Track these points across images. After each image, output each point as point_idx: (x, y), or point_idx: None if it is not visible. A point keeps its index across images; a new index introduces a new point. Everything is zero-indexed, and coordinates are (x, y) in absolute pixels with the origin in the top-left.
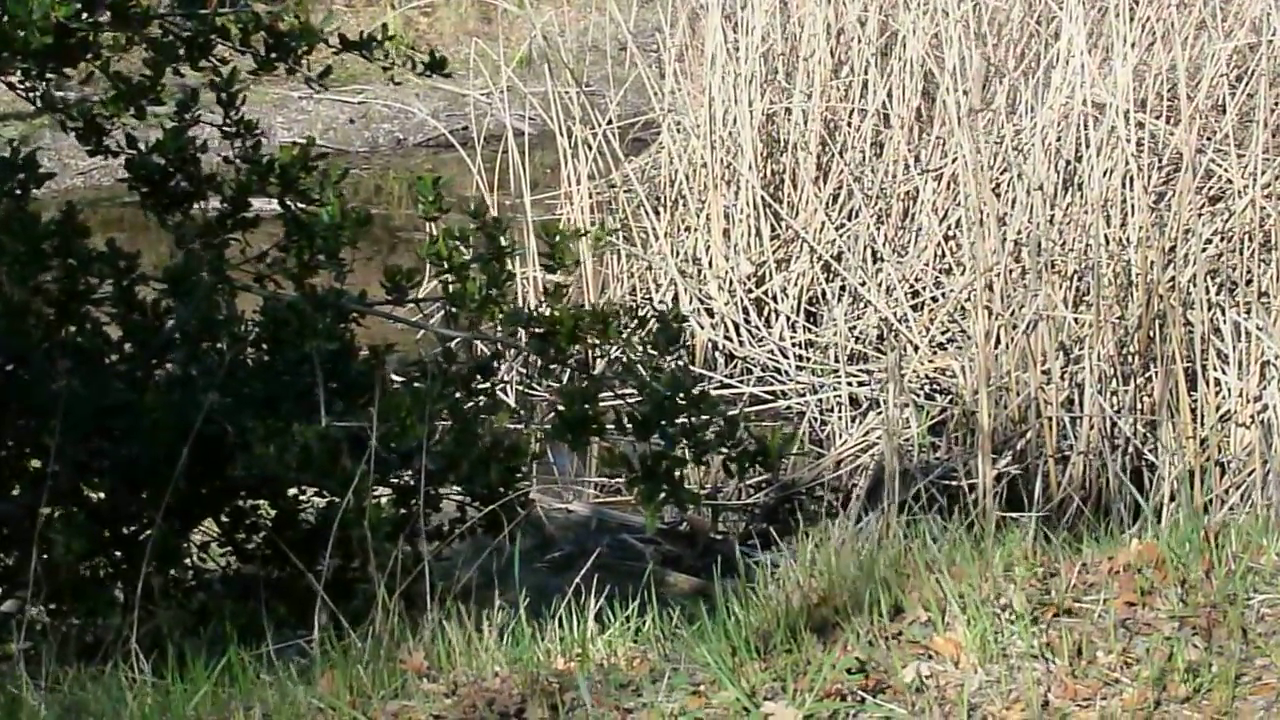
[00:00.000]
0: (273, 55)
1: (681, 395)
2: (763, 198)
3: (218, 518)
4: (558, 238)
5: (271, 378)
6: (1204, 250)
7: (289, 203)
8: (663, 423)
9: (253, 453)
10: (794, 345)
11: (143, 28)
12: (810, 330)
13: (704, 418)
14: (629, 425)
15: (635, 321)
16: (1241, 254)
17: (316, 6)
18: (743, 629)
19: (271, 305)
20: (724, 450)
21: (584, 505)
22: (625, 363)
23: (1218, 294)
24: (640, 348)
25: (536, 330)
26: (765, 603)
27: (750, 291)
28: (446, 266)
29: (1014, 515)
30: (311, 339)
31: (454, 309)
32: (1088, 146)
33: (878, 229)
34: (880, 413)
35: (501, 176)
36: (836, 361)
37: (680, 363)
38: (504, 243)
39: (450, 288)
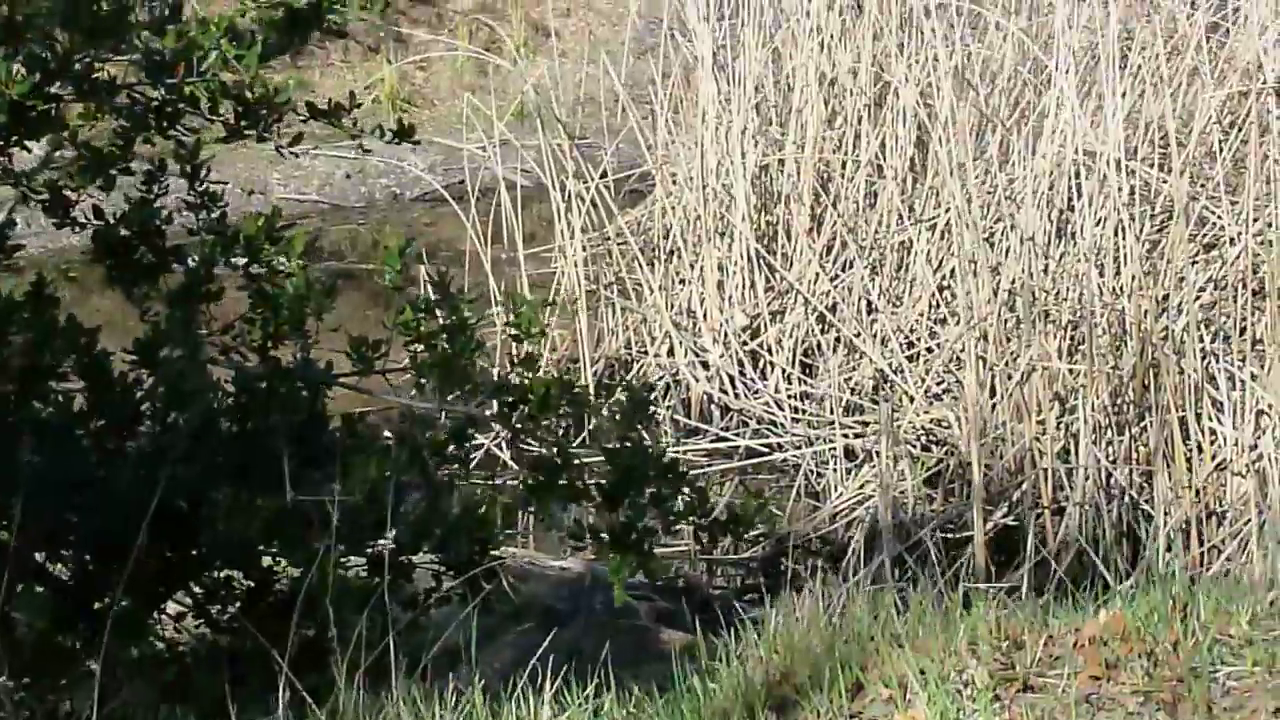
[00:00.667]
0: (242, 124)
1: (650, 465)
2: (757, 250)
3: (190, 589)
4: (523, 307)
5: (242, 448)
6: (1197, 299)
7: (253, 274)
8: (631, 492)
9: (216, 527)
10: (789, 397)
11: (110, 98)
12: (805, 382)
13: (673, 487)
14: (596, 495)
15: (604, 391)
16: (1235, 301)
17: (311, 63)
18: (700, 710)
19: (239, 377)
20: (694, 520)
21: (578, 561)
22: (592, 432)
23: (1212, 342)
24: (610, 417)
25: (508, 399)
26: (726, 680)
27: (745, 344)
28: (415, 337)
29: (996, 586)
30: (277, 411)
31: (421, 380)
32: (1080, 195)
33: (872, 280)
34: (875, 465)
35: (497, 230)
36: (832, 414)
37: (654, 427)
38: (468, 314)
39: (417, 358)
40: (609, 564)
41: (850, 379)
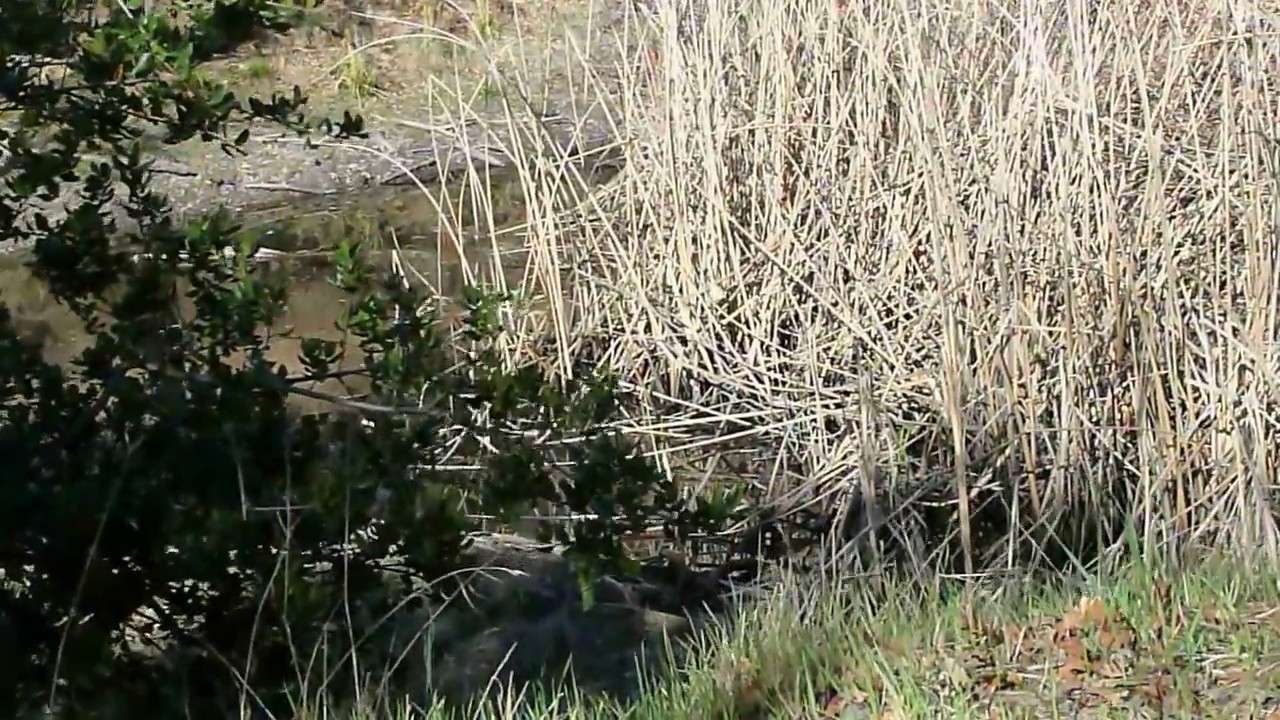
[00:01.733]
0: (190, 122)
1: (616, 461)
2: (730, 222)
3: (154, 603)
4: (479, 303)
5: (199, 459)
6: (1176, 254)
7: (200, 279)
8: (597, 490)
9: (172, 541)
10: (769, 370)
11: (51, 103)
12: (784, 354)
13: (639, 483)
14: (562, 495)
15: (569, 386)
16: (1214, 256)
17: (276, 49)
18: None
19: (192, 385)
20: (663, 513)
21: (562, 545)
22: (556, 429)
23: (1192, 298)
24: (574, 414)
25: (468, 397)
26: (695, 686)
27: (722, 318)
28: (370, 337)
29: (974, 576)
30: (231, 419)
31: (378, 381)
32: (1053, 154)
33: (847, 248)
34: (856, 436)
35: (470, 212)
36: (812, 385)
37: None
38: (420, 313)
39: (373, 359)
40: (576, 566)
41: (829, 349)
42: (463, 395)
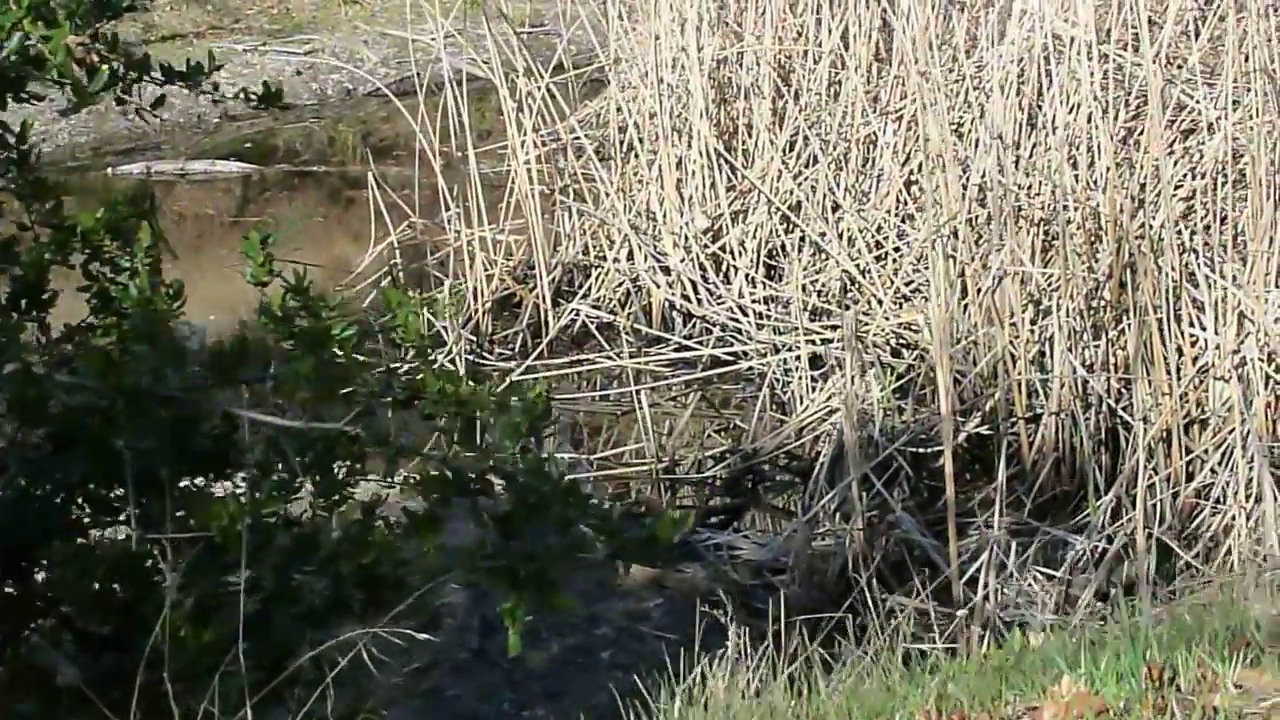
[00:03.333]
0: (95, 89)
1: (550, 486)
2: (716, 148)
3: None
4: (397, 305)
5: (102, 462)
6: (1175, 191)
7: (94, 273)
8: (530, 519)
9: (50, 575)
10: (753, 303)
11: None
12: (770, 286)
13: (577, 512)
14: (489, 523)
15: (497, 402)
16: (1215, 194)
17: None
18: None
19: (81, 391)
20: (601, 542)
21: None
22: (484, 449)
23: (1191, 239)
24: (507, 431)
25: (399, 398)
26: None
27: (707, 247)
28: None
29: (935, 648)
30: (121, 432)
31: (288, 392)
32: (1050, 82)
33: (836, 177)
34: (842, 376)
35: (453, 125)
36: (797, 319)
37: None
38: (326, 320)
39: (274, 369)
40: (501, 603)
41: (816, 282)
42: (387, 400)
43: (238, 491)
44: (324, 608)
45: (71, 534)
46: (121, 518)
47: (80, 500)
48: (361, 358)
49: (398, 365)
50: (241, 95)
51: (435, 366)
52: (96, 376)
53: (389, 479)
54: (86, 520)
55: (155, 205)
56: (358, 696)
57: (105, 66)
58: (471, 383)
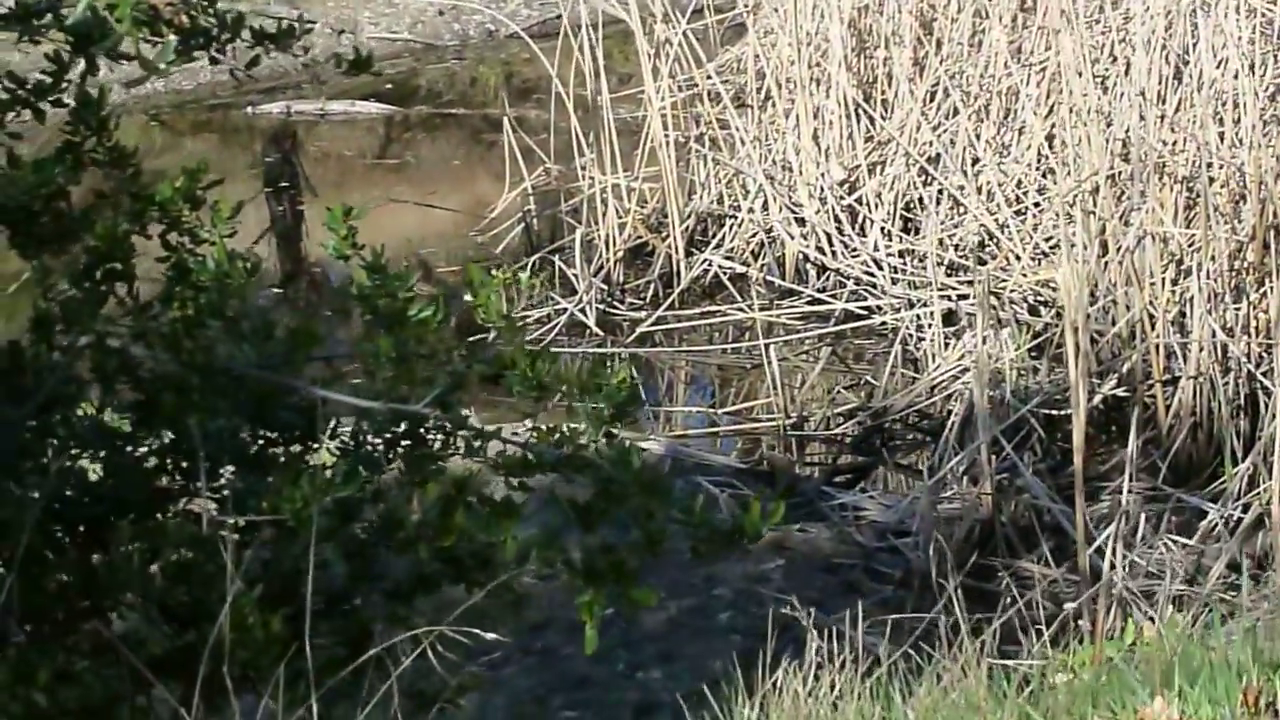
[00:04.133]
0: (191, 43)
1: (632, 476)
2: (854, 98)
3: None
4: (479, 284)
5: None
6: None
7: (172, 244)
8: (609, 510)
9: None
10: (888, 256)
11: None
12: (906, 240)
13: (659, 503)
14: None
15: (582, 386)
16: None
17: None
18: None
19: (156, 369)
20: (688, 526)
21: (660, 443)
22: (565, 434)
23: None
24: (590, 417)
25: (485, 374)
26: None
27: (842, 199)
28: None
29: (1025, 663)
30: (193, 412)
31: (369, 371)
32: (1197, 37)
33: (976, 129)
34: (975, 333)
35: (588, 69)
36: (932, 274)
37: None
38: (404, 297)
39: (360, 345)
40: (578, 599)
41: (952, 236)
42: (476, 373)
43: (312, 473)
44: (409, 585)
45: (148, 511)
46: (189, 499)
47: (162, 476)
48: (443, 337)
49: (485, 337)
50: (332, 61)
51: (566, 316)
52: (170, 351)
53: (470, 460)
54: (167, 497)
55: (297, 143)
56: (441, 677)
57: (172, 37)
58: (555, 363)
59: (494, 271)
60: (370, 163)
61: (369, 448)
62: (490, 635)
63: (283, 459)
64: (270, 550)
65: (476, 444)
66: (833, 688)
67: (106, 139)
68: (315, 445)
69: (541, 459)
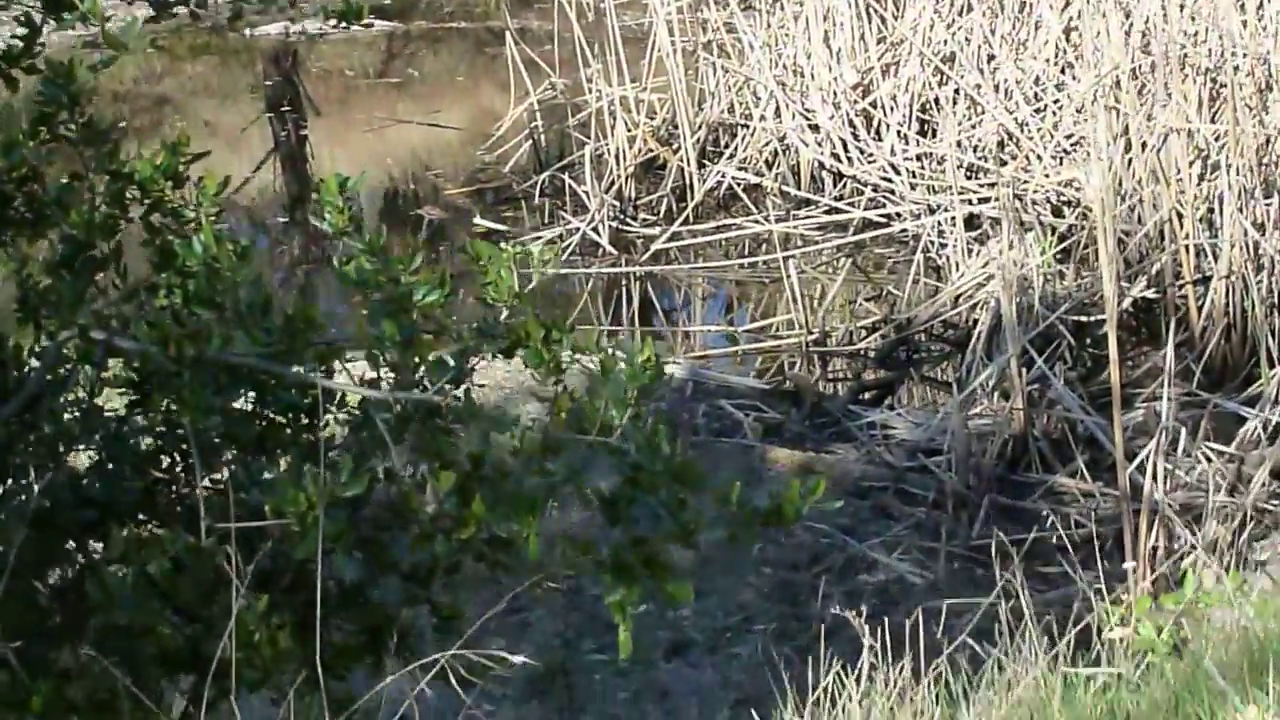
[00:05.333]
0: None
1: (661, 464)
2: None
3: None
4: (487, 259)
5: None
6: None
7: (155, 225)
8: (638, 499)
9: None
10: (906, 161)
11: None
12: (923, 143)
13: (691, 491)
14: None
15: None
16: None
17: None
18: None
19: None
20: (726, 516)
21: (680, 366)
22: (585, 410)
23: None
24: (617, 401)
25: (500, 349)
26: None
27: (856, 103)
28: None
29: (1100, 670)
30: (184, 409)
31: (372, 355)
32: None
33: (992, 25)
34: (999, 239)
35: None
36: (952, 177)
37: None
38: (404, 283)
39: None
40: (608, 595)
41: (971, 137)
42: (487, 348)
43: (315, 473)
44: (428, 566)
45: (142, 509)
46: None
47: (160, 460)
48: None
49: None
50: (320, 13)
51: (579, 236)
52: (157, 344)
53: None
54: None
55: (298, 63)
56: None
57: (139, 12)
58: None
59: (502, 245)
60: (372, 81)
61: (380, 422)
62: (517, 659)
63: (288, 433)
64: (275, 547)
65: (489, 433)
66: (887, 685)
67: (79, 114)
68: (322, 423)
69: (561, 443)
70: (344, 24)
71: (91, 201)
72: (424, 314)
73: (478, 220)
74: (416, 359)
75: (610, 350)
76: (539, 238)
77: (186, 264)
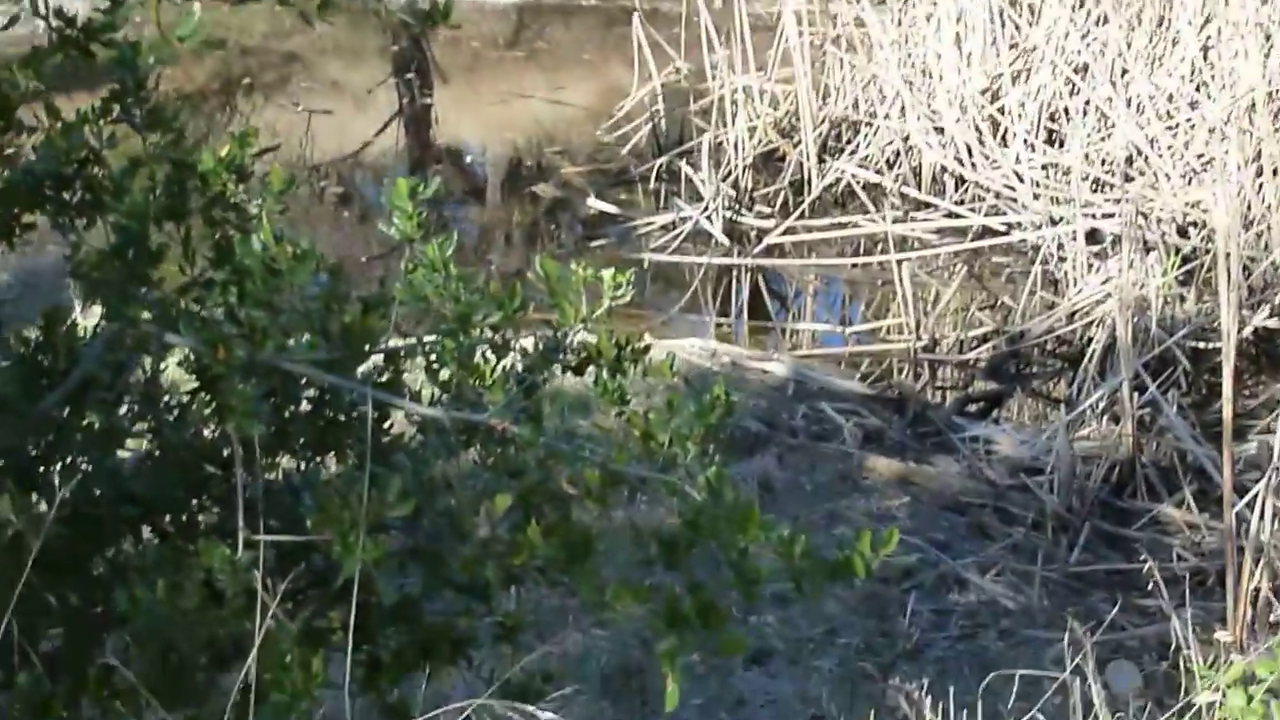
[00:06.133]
0: None
1: (726, 509)
2: (999, 1)
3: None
4: (555, 281)
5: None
6: None
7: (215, 219)
8: (693, 544)
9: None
10: (1030, 169)
11: None
12: (1050, 153)
13: (757, 539)
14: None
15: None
16: None
17: None
18: None
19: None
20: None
21: (784, 364)
22: (651, 446)
23: None
24: (681, 440)
25: (569, 365)
26: None
27: (984, 108)
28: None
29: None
30: (230, 415)
31: (431, 369)
32: None
33: (1128, 38)
34: (1120, 257)
35: None
36: (1076, 190)
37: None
38: (464, 302)
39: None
40: (659, 643)
41: (1099, 150)
42: (554, 364)
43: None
44: (485, 583)
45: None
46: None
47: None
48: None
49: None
50: (401, 14)
51: (692, 224)
52: (206, 344)
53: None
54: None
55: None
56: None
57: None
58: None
59: (574, 267)
60: (501, 52)
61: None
62: (546, 716)
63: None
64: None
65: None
66: None
67: (145, 99)
68: (388, 424)
69: (623, 478)
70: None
71: (151, 190)
72: (491, 329)
73: (591, 201)
74: (474, 379)
75: (681, 378)
76: (651, 223)
77: (244, 262)
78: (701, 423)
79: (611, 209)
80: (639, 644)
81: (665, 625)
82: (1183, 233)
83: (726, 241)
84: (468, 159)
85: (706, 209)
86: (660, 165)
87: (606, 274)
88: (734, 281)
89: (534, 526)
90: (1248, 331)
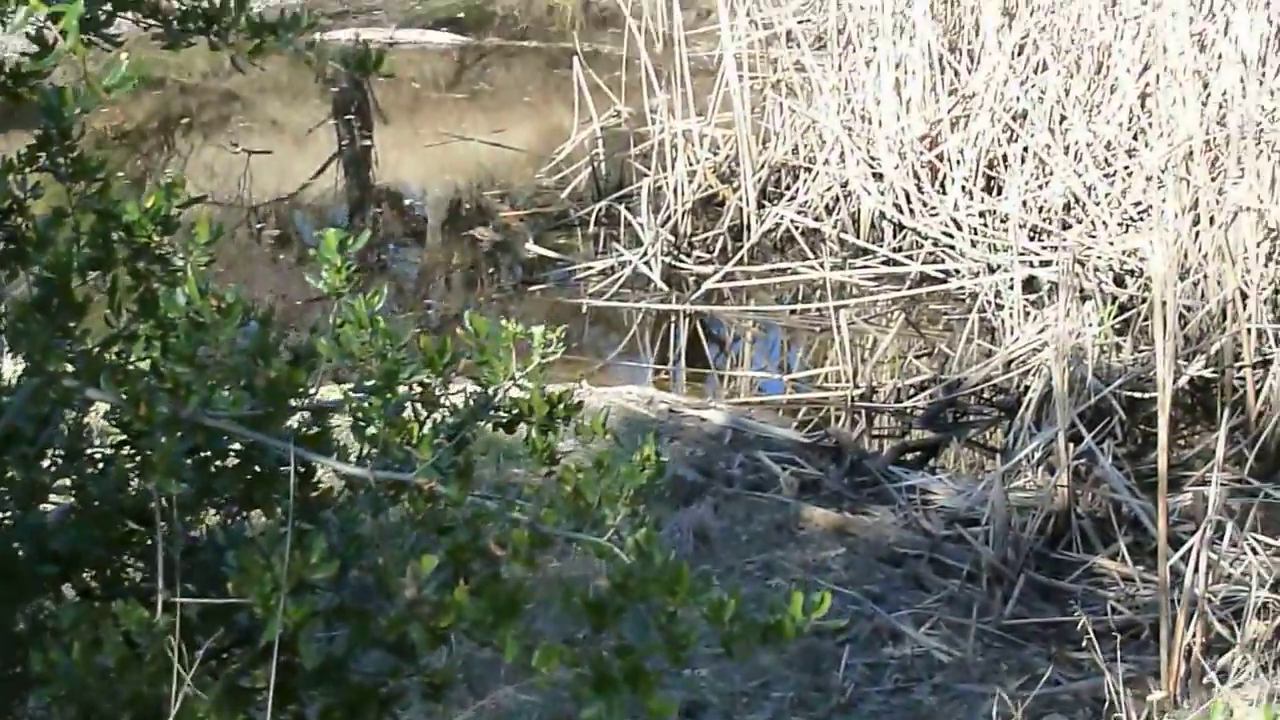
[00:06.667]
0: (189, 26)
1: (651, 572)
2: (939, 48)
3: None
4: (485, 337)
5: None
6: None
7: (139, 271)
8: (622, 607)
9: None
10: (969, 216)
11: None
12: (988, 200)
13: (688, 601)
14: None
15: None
16: None
17: None
18: None
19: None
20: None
21: (721, 412)
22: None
23: None
24: (615, 497)
25: (500, 422)
26: None
27: (922, 154)
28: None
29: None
30: (151, 472)
31: (358, 426)
32: None
33: (1066, 85)
34: (1056, 306)
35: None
36: (1014, 237)
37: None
38: (391, 359)
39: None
40: (585, 710)
41: (1037, 198)
42: (488, 420)
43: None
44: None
45: (104, 567)
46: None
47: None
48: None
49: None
50: (334, 61)
51: (630, 269)
52: (128, 400)
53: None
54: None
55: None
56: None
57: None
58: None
59: (504, 323)
60: (442, 93)
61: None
62: None
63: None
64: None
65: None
66: None
67: (70, 148)
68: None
69: (550, 540)
70: (362, 72)
71: (76, 240)
72: (420, 384)
73: (530, 246)
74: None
75: (613, 436)
76: (590, 268)
77: (168, 315)
78: (631, 483)
79: (550, 253)
80: (572, 698)
81: (593, 690)
82: (1119, 281)
83: (665, 287)
84: (407, 201)
85: (645, 254)
86: (600, 209)
87: (537, 331)
88: (673, 327)
89: (461, 588)
90: (1183, 381)
